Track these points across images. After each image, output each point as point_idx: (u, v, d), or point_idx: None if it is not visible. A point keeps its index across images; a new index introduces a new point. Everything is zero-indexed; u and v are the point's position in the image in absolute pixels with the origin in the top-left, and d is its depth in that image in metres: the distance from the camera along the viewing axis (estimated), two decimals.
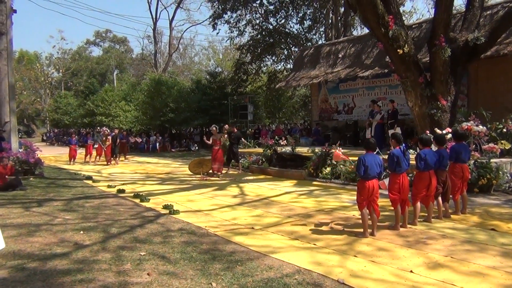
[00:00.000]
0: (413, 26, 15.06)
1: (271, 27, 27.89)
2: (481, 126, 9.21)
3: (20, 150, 13.33)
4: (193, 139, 28.12)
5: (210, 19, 28.13)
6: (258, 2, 27.32)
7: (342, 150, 10.64)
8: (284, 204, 7.58)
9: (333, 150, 10.59)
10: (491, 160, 8.25)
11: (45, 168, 13.86)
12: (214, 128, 13.05)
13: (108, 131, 18.22)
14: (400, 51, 9.70)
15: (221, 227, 5.88)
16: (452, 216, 6.16)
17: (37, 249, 4.89)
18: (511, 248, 4.63)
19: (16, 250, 4.85)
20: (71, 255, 4.67)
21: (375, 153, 5.45)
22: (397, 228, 5.49)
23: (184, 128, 28.84)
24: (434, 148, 6.24)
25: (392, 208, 5.66)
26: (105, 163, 17.04)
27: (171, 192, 9.30)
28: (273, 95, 29.63)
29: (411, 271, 3.96)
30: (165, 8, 73.10)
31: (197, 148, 25.90)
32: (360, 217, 5.48)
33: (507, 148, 9.17)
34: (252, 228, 5.84)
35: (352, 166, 9.61)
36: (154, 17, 43.61)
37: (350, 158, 9.49)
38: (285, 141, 13.31)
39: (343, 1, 23.73)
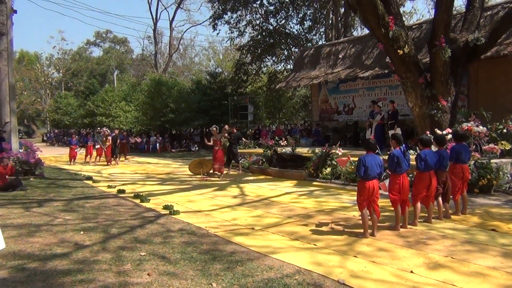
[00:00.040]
0: (413, 27, 15.07)
1: (271, 27, 27.90)
2: (481, 127, 9.21)
3: (20, 150, 13.33)
4: (193, 140, 28.13)
5: (210, 20, 28.17)
6: (258, 2, 27.33)
7: (342, 151, 10.70)
8: (284, 205, 7.58)
9: (333, 151, 10.63)
10: (491, 161, 8.25)
11: (45, 169, 13.87)
12: (214, 129, 13.06)
13: (108, 131, 18.23)
14: (400, 52, 9.70)
15: (221, 228, 5.88)
16: (452, 216, 6.16)
17: (37, 250, 4.89)
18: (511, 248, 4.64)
19: (16, 251, 4.85)
20: (71, 255, 4.68)
21: (375, 153, 5.45)
22: (397, 229, 5.49)
23: (184, 129, 28.85)
24: (434, 148, 6.24)
25: (392, 208, 5.66)
26: (105, 163, 17.05)
27: (171, 193, 9.30)
28: (273, 96, 29.63)
29: (412, 272, 3.96)
30: (165, 8, 73.07)
31: (197, 148, 25.91)
32: (360, 217, 5.48)
33: (507, 148, 9.17)
34: (252, 228, 5.84)
35: (352, 167, 9.61)
36: (154, 17, 43.73)
37: (350, 158, 9.50)
38: (285, 141, 13.31)
39: (343, 2, 23.74)
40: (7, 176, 10.14)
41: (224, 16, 27.66)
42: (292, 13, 27.82)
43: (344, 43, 17.87)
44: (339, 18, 26.03)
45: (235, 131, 13.32)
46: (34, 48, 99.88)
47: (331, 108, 18.08)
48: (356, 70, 15.51)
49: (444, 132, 8.48)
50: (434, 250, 4.60)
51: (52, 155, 22.19)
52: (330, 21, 26.61)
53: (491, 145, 8.86)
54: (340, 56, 17.22)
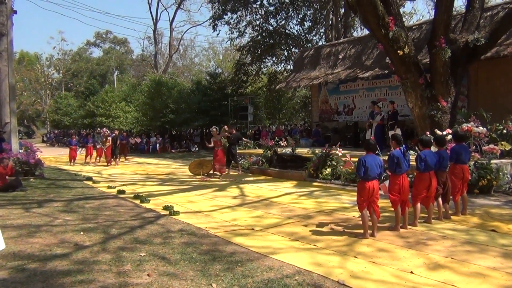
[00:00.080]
0: (413, 27, 15.07)
1: (271, 28, 27.91)
2: (481, 127, 9.22)
3: (20, 151, 13.34)
4: (193, 140, 28.14)
5: (211, 20, 28.17)
6: (258, 3, 27.34)
7: (342, 151, 10.69)
8: (284, 205, 7.58)
9: (333, 151, 10.63)
10: (491, 161, 8.25)
11: (45, 169, 13.87)
12: (214, 129, 13.06)
13: (108, 132, 18.23)
14: (400, 52, 9.71)
15: (221, 228, 5.88)
16: (452, 217, 6.16)
17: (37, 250, 4.89)
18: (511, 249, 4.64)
19: (16, 251, 4.85)
20: (71, 256, 4.68)
21: (375, 154, 5.45)
22: (397, 229, 5.49)
23: (184, 129, 28.85)
24: (434, 149, 6.24)
25: (392, 209, 5.66)
26: (105, 164, 17.05)
27: (171, 193, 9.30)
28: (273, 96, 29.63)
29: (412, 272, 3.96)
30: (166, 9, 73.70)
31: (197, 149, 25.92)
32: (360, 218, 5.48)
33: (507, 149, 9.18)
34: (252, 229, 5.83)
35: (352, 167, 9.60)
36: (154, 18, 43.76)
37: (351, 159, 9.47)
38: (285, 142, 13.31)
39: (343, 2, 23.74)
40: (7, 177, 10.15)
41: (224, 16, 27.68)
42: (292, 14, 27.84)
43: (344, 44, 17.87)
44: (339, 19, 26.04)
45: (234, 131, 13.31)
46: (34, 49, 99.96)
47: (331, 108, 18.08)
48: (356, 71, 15.51)
49: (444, 133, 8.48)
50: (434, 251, 4.60)
51: (52, 156, 22.19)
52: (330, 22, 26.62)
53: (491, 146, 8.86)
54: (340, 57, 17.23)
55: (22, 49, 62.08)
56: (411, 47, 9.97)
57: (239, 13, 27.59)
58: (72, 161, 17.53)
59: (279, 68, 30.36)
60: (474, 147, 9.14)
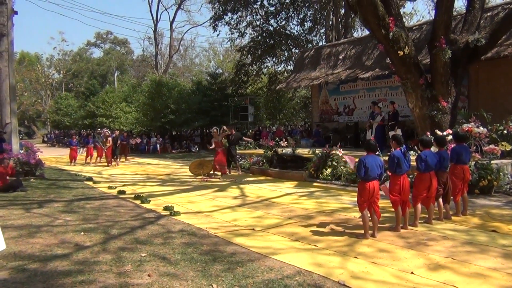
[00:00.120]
0: (414, 28, 15.07)
1: (271, 28, 27.92)
2: (481, 128, 9.22)
3: (21, 151, 13.34)
4: (194, 140, 28.15)
5: (211, 21, 28.18)
6: (258, 3, 27.35)
7: (343, 152, 10.69)
8: (284, 206, 7.58)
9: (334, 152, 10.63)
10: (492, 162, 8.24)
11: (46, 169, 13.88)
12: (214, 130, 13.05)
13: (109, 132, 18.24)
14: (401, 53, 9.72)
15: (221, 228, 5.88)
16: (452, 217, 6.16)
17: (38, 250, 4.89)
18: None
19: (16, 251, 4.85)
20: (72, 256, 4.68)
21: (375, 154, 5.44)
22: (398, 230, 5.49)
23: (184, 130, 28.86)
24: (434, 149, 6.23)
25: (393, 209, 5.66)
26: (106, 164, 17.05)
27: (171, 194, 9.30)
28: (274, 97, 29.64)
29: (412, 273, 3.96)
30: (166, 9, 73.68)
31: (197, 149, 25.93)
32: (360, 218, 5.48)
33: (507, 149, 9.17)
34: (253, 229, 5.83)
35: (353, 168, 9.60)
36: (154, 18, 43.76)
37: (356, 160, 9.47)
38: (285, 142, 13.31)
39: (343, 3, 23.75)
40: (7, 177, 10.15)
41: (225, 17, 27.69)
42: (293, 14, 27.83)
43: (344, 44, 17.88)
44: (340, 19, 26.04)
45: (233, 132, 13.29)
46: (35, 49, 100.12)
47: (331, 109, 18.08)
48: (356, 71, 15.51)
49: (445, 133, 8.48)
50: (434, 251, 4.60)
51: (53, 156, 22.20)
52: (331, 22, 26.63)
53: (492, 146, 8.85)
54: (341, 57, 17.23)
55: (22, 50, 62.26)
56: (411, 47, 9.97)
57: (239, 13, 27.60)
58: (73, 161, 17.54)
59: (280, 69, 30.39)
60: (475, 147, 9.14)
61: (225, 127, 13.47)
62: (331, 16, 26.48)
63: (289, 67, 28.55)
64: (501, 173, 8.12)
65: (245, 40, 30.66)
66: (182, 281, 3.87)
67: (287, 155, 12.76)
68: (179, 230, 5.85)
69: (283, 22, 28.00)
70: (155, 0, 62.53)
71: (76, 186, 10.87)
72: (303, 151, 12.82)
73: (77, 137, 21.45)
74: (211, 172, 12.39)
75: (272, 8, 27.64)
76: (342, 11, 25.90)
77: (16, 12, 13.92)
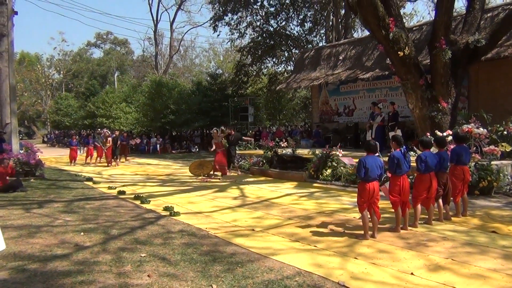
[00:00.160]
0: (414, 29, 15.08)
1: (271, 29, 27.93)
2: (481, 129, 9.21)
3: (21, 151, 13.34)
4: (194, 141, 28.15)
5: (211, 21, 28.20)
6: (258, 4, 27.36)
7: (343, 152, 10.69)
8: (284, 206, 7.58)
9: (334, 152, 10.63)
10: (492, 163, 8.24)
11: (46, 170, 13.88)
12: (214, 131, 13.04)
13: (109, 132, 18.24)
14: (401, 53, 9.72)
15: (221, 229, 5.88)
16: (452, 218, 6.15)
17: (38, 251, 4.89)
18: None
19: (16, 252, 4.85)
20: (72, 256, 4.68)
21: (376, 155, 5.44)
22: (398, 230, 5.49)
23: (184, 130, 28.87)
24: (434, 150, 6.23)
25: (393, 210, 5.66)
26: (106, 164, 17.05)
27: (171, 194, 9.30)
28: (274, 97, 29.64)
29: (412, 273, 3.95)
30: (166, 10, 73.80)
31: (197, 149, 25.93)
32: (360, 219, 5.47)
33: (507, 150, 9.16)
34: (253, 230, 5.83)
35: (353, 168, 9.61)
36: (155, 19, 43.84)
37: (354, 161, 9.48)
38: (285, 143, 13.31)
39: (343, 3, 23.76)
40: (7, 177, 10.15)
41: (225, 17, 27.70)
42: (293, 15, 27.84)
43: (344, 45, 17.88)
44: (340, 20, 26.05)
45: (233, 132, 13.28)
46: (35, 49, 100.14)
47: (331, 109, 18.08)
48: (356, 72, 15.52)
49: (445, 134, 8.48)
50: (434, 252, 4.60)
51: (53, 156, 22.21)
52: (331, 23, 26.64)
53: (492, 147, 8.85)
54: (341, 58, 17.23)
55: (22, 50, 62.29)
56: (411, 48, 9.97)
57: (239, 14, 27.61)
58: (73, 161, 17.54)
59: (280, 69, 30.40)
60: (475, 148, 9.14)
61: (223, 128, 13.45)
62: (331, 17, 26.50)
63: (289, 67, 28.57)
64: (501, 174, 8.11)
65: (245, 40, 30.72)
66: (182, 281, 3.87)
67: (287, 155, 12.76)
68: (179, 230, 5.85)
69: (283, 23, 28.03)
70: (155, 0, 62.67)
71: (76, 186, 10.87)
72: (303, 152, 12.83)
73: (77, 137, 21.44)
74: (211, 172, 12.39)
75: (272, 9, 27.67)
76: (342, 11, 25.91)
77: (16, 13, 13.92)
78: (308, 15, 27.91)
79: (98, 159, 18.10)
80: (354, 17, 23.77)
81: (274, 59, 29.43)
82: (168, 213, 6.97)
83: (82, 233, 5.69)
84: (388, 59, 10.99)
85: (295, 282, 3.81)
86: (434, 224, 5.82)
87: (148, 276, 4.01)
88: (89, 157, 18.22)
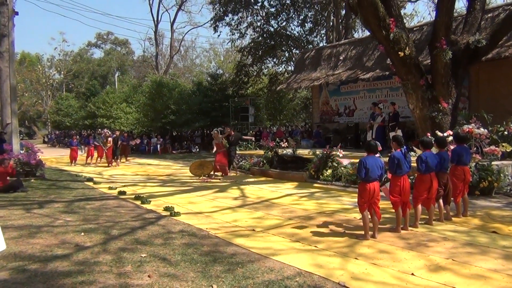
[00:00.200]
0: (414, 29, 15.07)
1: (272, 29, 27.95)
2: (482, 129, 9.21)
3: (21, 151, 13.36)
4: (194, 141, 28.14)
5: (212, 22, 28.21)
6: (259, 4, 27.37)
7: (343, 152, 10.69)
8: (285, 206, 7.58)
9: (334, 153, 10.63)
10: (493, 163, 8.23)
11: (46, 170, 13.89)
12: (215, 132, 13.02)
13: (109, 133, 18.25)
14: (401, 54, 9.72)
15: (222, 229, 5.88)
16: (453, 218, 6.15)
17: (38, 251, 4.89)
18: None
19: (17, 252, 4.85)
20: (72, 256, 4.68)
21: (376, 155, 5.44)
22: (398, 231, 5.48)
23: (185, 130, 28.88)
24: (435, 150, 6.23)
25: (393, 210, 5.65)
26: (106, 165, 17.05)
27: (172, 194, 9.30)
28: (274, 97, 29.65)
29: (412, 274, 3.95)
30: (167, 10, 73.72)
31: (198, 150, 25.93)
32: (361, 219, 5.47)
33: (508, 150, 9.16)
34: (253, 230, 5.83)
35: (353, 168, 9.60)
36: (155, 19, 43.81)
37: (351, 160, 9.46)
38: (286, 143, 13.30)
39: (344, 4, 23.76)
40: (8, 178, 10.16)
41: (225, 18, 27.71)
42: (293, 15, 27.87)
43: (345, 45, 17.88)
44: (340, 20, 26.06)
45: (232, 133, 13.28)
46: (35, 50, 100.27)
47: (332, 110, 18.08)
48: (357, 72, 15.51)
49: (445, 134, 8.47)
50: (435, 252, 4.60)
51: (53, 157, 22.22)
52: (331, 23, 26.65)
53: (492, 147, 8.85)
54: (341, 58, 17.22)
55: (23, 50, 62.35)
56: (412, 48, 9.97)
57: (240, 14, 27.62)
58: (73, 162, 17.55)
59: (280, 69, 30.41)
60: (475, 148, 9.13)
61: (220, 129, 13.43)
62: (332, 17, 26.52)
63: (289, 67, 28.57)
64: (501, 174, 8.11)
65: (245, 41, 30.72)
66: (182, 282, 3.87)
67: (287, 156, 12.76)
68: (179, 230, 5.85)
69: (284, 23, 28.05)
70: (155, 1, 62.65)
71: (77, 186, 10.87)
72: (304, 152, 12.82)
73: (78, 137, 21.45)
74: (212, 173, 12.39)
75: (272, 9, 27.68)
76: (343, 12, 25.92)
77: (17, 13, 13.94)
78: (309, 15, 27.93)
79: (99, 159, 18.10)
80: (354, 17, 23.78)
81: (274, 60, 29.45)
82: (168, 213, 6.98)
83: (82, 234, 5.69)
84: (389, 59, 10.99)
85: (296, 282, 3.81)
86: (434, 225, 5.82)
87: (149, 276, 4.01)
88: (90, 158, 18.23)
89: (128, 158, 19.74)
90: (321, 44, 26.76)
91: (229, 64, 47.21)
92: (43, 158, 14.17)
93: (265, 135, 21.44)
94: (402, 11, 23.44)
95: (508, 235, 5.23)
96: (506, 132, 9.76)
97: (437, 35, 9.96)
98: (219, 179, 11.90)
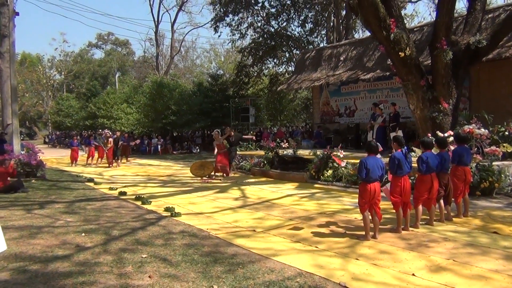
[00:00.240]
0: (415, 29, 15.07)
1: (272, 30, 27.95)
2: (483, 129, 9.20)
3: (22, 152, 13.37)
4: (195, 142, 28.15)
5: (212, 22, 28.21)
6: (259, 5, 27.38)
7: (344, 153, 10.68)
8: (285, 207, 7.58)
9: (335, 153, 10.62)
10: (493, 163, 8.23)
11: (47, 170, 13.89)
12: (216, 133, 13.03)
13: (110, 133, 18.25)
14: (402, 54, 9.71)
15: (222, 230, 5.88)
16: (454, 219, 6.14)
17: (39, 251, 4.89)
18: None
19: (17, 252, 4.85)
20: (73, 257, 4.68)
21: (377, 156, 5.43)
22: (399, 231, 5.48)
23: (185, 131, 28.88)
24: (435, 151, 6.22)
25: (394, 211, 5.65)
26: (107, 165, 17.06)
27: (172, 195, 9.30)
28: (275, 98, 29.65)
29: (413, 274, 3.95)
30: (167, 11, 73.72)
31: (198, 150, 25.93)
32: (361, 220, 5.47)
33: (509, 151, 9.15)
34: (254, 230, 5.83)
35: (353, 169, 9.60)
36: (156, 20, 43.79)
37: (352, 161, 9.46)
38: (286, 143, 13.30)
39: (344, 4, 23.76)
40: (8, 178, 10.16)
41: (226, 18, 27.71)
42: (294, 16, 27.87)
43: (345, 45, 17.87)
44: (341, 21, 26.05)
45: (232, 133, 13.27)
46: (36, 50, 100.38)
47: (332, 110, 18.08)
48: (357, 72, 15.51)
49: (446, 135, 8.46)
50: (435, 253, 4.59)
51: (54, 157, 22.24)
52: (332, 24, 26.64)
53: (493, 148, 8.83)
54: (342, 58, 17.22)
55: (24, 51, 62.40)
56: (412, 49, 9.96)
57: (240, 15, 27.64)
58: (74, 162, 17.56)
59: (281, 70, 30.41)
60: (476, 149, 9.12)
61: (218, 131, 13.42)
62: (332, 18, 26.51)
63: (290, 68, 28.58)
64: (502, 175, 8.10)
65: (246, 41, 30.75)
66: (183, 282, 3.87)
67: (288, 156, 12.76)
68: (180, 231, 5.85)
69: (284, 24, 28.06)
70: (156, 1, 62.66)
71: (77, 187, 10.88)
72: (304, 153, 12.82)
73: (78, 138, 21.45)
74: (212, 173, 12.39)
75: (273, 10, 27.68)
76: (343, 12, 25.91)
77: (17, 13, 13.97)
78: (309, 16, 27.94)
79: (99, 160, 18.11)
80: (355, 18, 23.76)
81: (275, 60, 29.45)
82: (169, 214, 6.98)
83: (83, 234, 5.70)
84: (389, 60, 10.98)
85: (296, 283, 3.80)
86: (435, 225, 5.81)
87: (149, 277, 4.01)
88: (90, 158, 18.23)
89: (128, 158, 19.75)
90: (321, 45, 26.77)
91: (229, 64, 47.21)
92: (44, 158, 14.19)
93: (265, 136, 21.44)
94: (403, 12, 23.46)
95: (509, 236, 5.23)
96: (506, 133, 9.75)
97: (438, 36, 9.95)
98: (220, 179, 11.90)
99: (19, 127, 14.84)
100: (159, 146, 25.58)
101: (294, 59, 26.97)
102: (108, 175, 13.80)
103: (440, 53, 9.72)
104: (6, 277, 4.07)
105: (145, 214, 7.13)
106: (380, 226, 5.41)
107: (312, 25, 28.18)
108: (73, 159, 17.57)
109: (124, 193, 9.37)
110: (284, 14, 27.60)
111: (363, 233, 5.28)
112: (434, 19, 11.29)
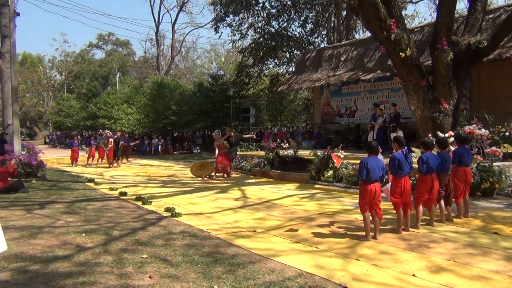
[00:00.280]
0: (415, 30, 15.07)
1: (273, 30, 27.94)
2: (483, 130, 9.20)
3: (22, 152, 13.38)
4: (195, 142, 28.14)
5: (213, 22, 28.21)
6: (260, 5, 27.38)
7: (344, 153, 10.68)
8: (286, 207, 7.57)
9: (335, 153, 10.62)
10: (494, 164, 8.22)
11: (47, 171, 13.89)
12: (216, 134, 13.04)
13: (111, 133, 18.26)
14: (402, 55, 9.71)
15: (223, 230, 5.88)
16: (454, 219, 6.14)
17: (39, 252, 4.90)
18: None
19: (18, 253, 4.85)
20: (73, 257, 4.68)
21: (377, 156, 5.43)
22: (399, 232, 5.47)
23: (186, 131, 28.87)
24: (435, 151, 6.22)
25: (394, 211, 5.65)
26: (107, 165, 17.06)
27: (173, 195, 9.31)
28: (275, 98, 29.64)
29: (414, 275, 3.95)
30: (168, 11, 74.05)
31: (199, 150, 25.93)
32: (362, 220, 5.47)
33: (509, 151, 9.14)
34: (254, 231, 5.83)
35: (353, 169, 9.59)
36: (156, 20, 43.81)
37: (352, 161, 9.45)
38: (287, 144, 13.30)
39: (345, 5, 23.76)
40: (9, 178, 10.17)
41: (226, 19, 27.71)
42: (294, 16, 27.85)
43: (346, 46, 17.87)
44: (341, 21, 26.05)
45: (232, 134, 13.26)
46: (37, 51, 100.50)
47: (333, 110, 18.07)
48: (358, 73, 15.50)
49: (446, 135, 8.46)
50: (436, 253, 4.59)
51: (54, 157, 22.25)
52: (332, 24, 26.64)
53: (494, 148, 8.82)
54: (342, 59, 17.21)
55: (24, 51, 62.31)
56: (413, 49, 9.96)
57: (241, 15, 27.64)
58: (74, 162, 17.56)
59: (281, 70, 30.39)
60: (477, 149, 9.11)
61: (218, 131, 13.43)
62: (333, 18, 26.51)
63: (290, 68, 28.57)
64: (503, 176, 8.09)
65: (246, 41, 30.74)
66: (183, 282, 3.87)
67: (288, 156, 12.76)
68: (180, 231, 5.85)
69: (285, 24, 28.04)
70: (157, 2, 62.76)
71: (78, 187, 10.88)
72: (305, 153, 12.82)
73: (79, 138, 21.46)
74: (213, 173, 12.39)
75: (273, 10, 27.67)
76: (344, 13, 25.92)
77: (18, 14, 13.98)
78: (310, 16, 27.92)
79: (100, 160, 18.11)
80: (355, 18, 23.76)
81: (275, 60, 29.43)
82: (169, 214, 6.98)
83: (83, 234, 5.70)
84: (390, 60, 10.97)
85: (297, 283, 3.80)
86: (435, 226, 5.81)
87: (150, 277, 4.01)
88: (91, 158, 18.24)
89: (129, 159, 19.75)
90: (322, 45, 26.75)
91: (230, 65, 47.20)
92: (44, 159, 14.19)
93: (266, 136, 21.44)
94: (403, 12, 23.42)
95: (509, 236, 5.23)
96: (507, 133, 9.74)
97: (438, 36, 9.95)
98: (220, 180, 11.90)
99: (19, 127, 14.86)
100: (159, 147, 25.57)
101: (294, 59, 26.97)
102: (109, 176, 13.81)
103: (441, 53, 9.72)
104: (7, 277, 4.07)
105: (146, 215, 7.13)
106: (380, 227, 5.41)
107: (312, 26, 28.17)
108: (74, 159, 17.57)
109: (124, 194, 9.38)
110: (285, 14, 27.60)
111: (364, 233, 5.28)
112: (435, 19, 11.28)
